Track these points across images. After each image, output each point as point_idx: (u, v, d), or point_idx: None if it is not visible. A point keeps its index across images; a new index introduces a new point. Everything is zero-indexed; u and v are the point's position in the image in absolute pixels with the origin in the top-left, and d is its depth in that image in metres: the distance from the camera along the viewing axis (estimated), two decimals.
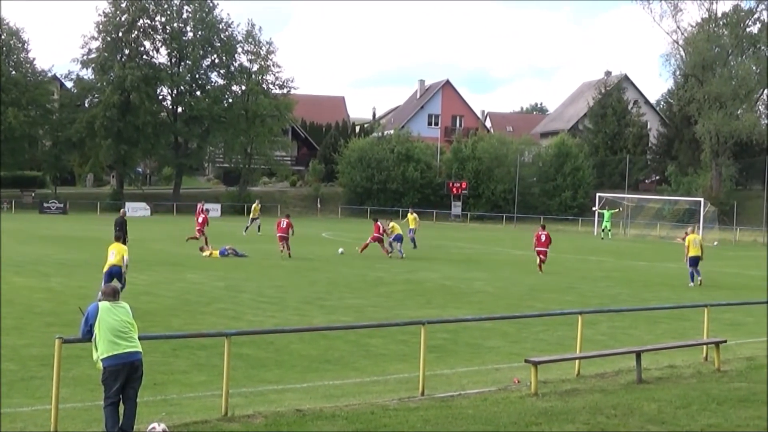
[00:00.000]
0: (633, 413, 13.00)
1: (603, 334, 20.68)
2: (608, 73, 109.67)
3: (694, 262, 33.11)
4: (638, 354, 15.80)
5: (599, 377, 15.86)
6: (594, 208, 73.36)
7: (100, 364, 10.97)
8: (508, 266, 38.70)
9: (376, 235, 41.80)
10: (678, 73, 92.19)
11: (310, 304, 24.57)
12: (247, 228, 54.75)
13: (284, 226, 39.94)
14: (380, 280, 31.27)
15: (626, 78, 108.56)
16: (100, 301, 11.32)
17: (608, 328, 21.64)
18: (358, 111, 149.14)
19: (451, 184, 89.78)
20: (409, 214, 48.95)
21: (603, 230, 67.17)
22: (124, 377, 10.92)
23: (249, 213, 58.91)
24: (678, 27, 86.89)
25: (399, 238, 41.26)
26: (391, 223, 42.68)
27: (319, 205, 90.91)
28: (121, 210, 41.07)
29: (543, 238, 36.95)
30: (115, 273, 23.40)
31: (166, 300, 24.72)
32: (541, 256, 36.78)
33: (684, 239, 34.86)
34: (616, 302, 27.16)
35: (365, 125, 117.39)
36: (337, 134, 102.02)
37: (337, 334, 19.16)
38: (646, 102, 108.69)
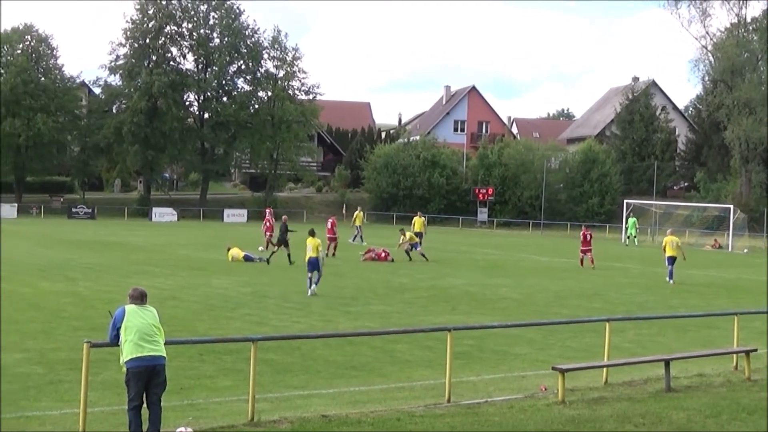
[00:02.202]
0: (661, 422, 12.93)
1: (630, 342, 20.58)
2: (636, 79, 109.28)
3: (672, 261, 36.11)
4: (667, 362, 15.70)
5: (627, 385, 15.78)
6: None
7: (125, 367, 11.07)
8: (534, 273, 38.56)
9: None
10: (707, 78, 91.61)
11: (335, 310, 24.57)
12: (354, 237, 52.96)
13: (330, 226, 42.92)
14: (405, 286, 31.24)
15: (654, 84, 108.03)
16: (128, 304, 11.34)
17: (636, 335, 21.54)
18: (384, 117, 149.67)
19: (477, 191, 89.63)
20: (416, 218, 48.68)
21: (628, 237, 66.89)
22: (145, 381, 10.98)
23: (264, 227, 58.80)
24: (707, 32, 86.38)
25: (415, 246, 42.35)
26: (408, 234, 43.17)
27: (344, 211, 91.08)
28: (283, 217, 41.81)
29: (588, 236, 41.80)
30: (314, 263, 27.64)
31: (191, 304, 24.78)
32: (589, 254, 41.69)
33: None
34: (643, 309, 27.03)
35: (391, 131, 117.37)
36: (363, 140, 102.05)
37: (363, 340, 19.14)
38: (674, 108, 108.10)
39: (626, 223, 69.14)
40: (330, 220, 44.65)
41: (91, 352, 11.46)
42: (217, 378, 15.61)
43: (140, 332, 11.04)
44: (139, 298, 11.39)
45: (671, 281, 35.70)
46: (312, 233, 29.83)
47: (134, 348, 10.96)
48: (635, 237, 66.43)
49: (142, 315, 11.21)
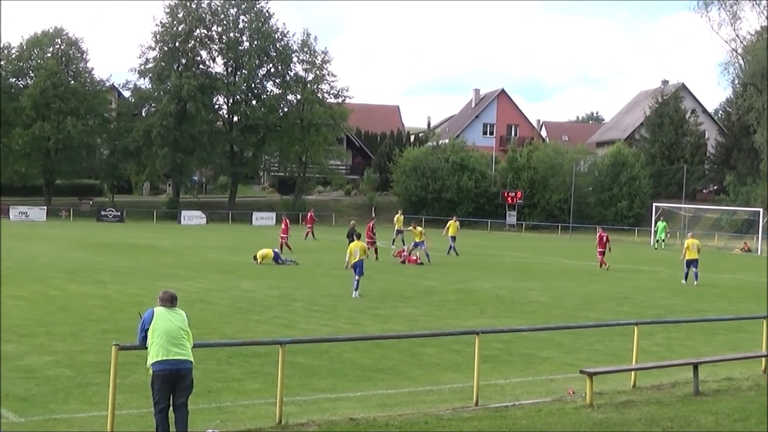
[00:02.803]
0: (690, 426, 12.87)
1: (659, 345, 20.49)
2: (665, 82, 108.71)
3: (692, 264, 36.56)
4: (695, 366, 15.63)
5: (655, 389, 15.71)
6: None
7: (151, 369, 11.10)
8: (563, 276, 38.44)
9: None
10: (737, 81, 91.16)
11: (362, 313, 24.61)
12: (393, 240, 52.14)
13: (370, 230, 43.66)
14: (433, 289, 31.20)
15: (683, 87, 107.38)
16: (158, 306, 11.37)
17: (664, 339, 21.43)
18: (413, 120, 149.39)
19: (506, 194, 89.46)
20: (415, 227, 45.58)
21: (657, 241, 66.62)
22: (170, 384, 10.99)
23: (304, 221, 60.11)
24: (737, 35, 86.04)
25: (420, 244, 42.58)
26: (418, 228, 43.27)
27: (373, 214, 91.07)
28: (351, 222, 43.56)
29: (605, 238, 42.84)
30: (359, 266, 28.46)
31: (219, 307, 24.83)
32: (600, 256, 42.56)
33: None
34: (671, 313, 26.90)
35: (420, 134, 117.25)
36: (392, 143, 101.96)
37: (391, 343, 19.15)
38: (704, 111, 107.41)
39: (655, 226, 68.80)
40: (368, 225, 45.73)
41: (119, 354, 11.45)
42: (244, 381, 15.60)
43: (167, 335, 11.06)
44: (169, 300, 11.41)
45: (689, 282, 36.35)
46: (357, 237, 31.60)
47: (160, 351, 10.98)
48: (664, 240, 66.14)
49: (170, 318, 11.23)
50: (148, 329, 11.15)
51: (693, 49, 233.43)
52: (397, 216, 54.89)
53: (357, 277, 28.48)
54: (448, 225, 48.74)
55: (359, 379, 16.13)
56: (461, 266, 40.89)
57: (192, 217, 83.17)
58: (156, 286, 26.42)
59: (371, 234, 43.66)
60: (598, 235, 43.93)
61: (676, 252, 61.50)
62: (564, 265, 45.00)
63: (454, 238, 47.29)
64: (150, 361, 11.04)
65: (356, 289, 28.27)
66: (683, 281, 36.69)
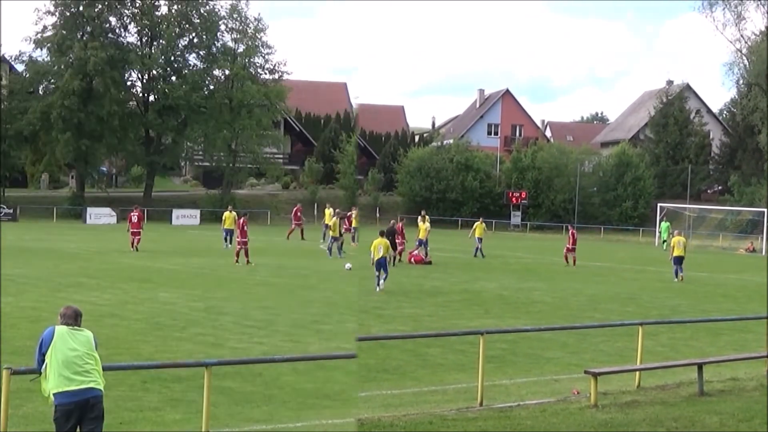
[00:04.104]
0: (694, 426, 12.88)
1: (663, 346, 20.49)
2: (670, 83, 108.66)
3: (678, 261, 37.90)
4: (700, 366, 15.63)
5: (660, 389, 15.72)
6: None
7: (52, 399, 9.59)
8: (567, 276, 38.41)
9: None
10: (741, 81, 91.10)
11: (304, 328, 21.70)
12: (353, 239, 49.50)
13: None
14: (438, 290, 31.15)
15: (688, 87, 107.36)
16: (59, 324, 9.83)
17: (669, 339, 21.43)
18: (418, 120, 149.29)
19: (510, 194, 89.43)
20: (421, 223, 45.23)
21: (663, 242, 66.58)
22: (77, 418, 9.50)
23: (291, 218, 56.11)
24: (741, 35, 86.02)
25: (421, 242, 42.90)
26: (425, 224, 43.77)
27: (378, 214, 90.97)
28: (392, 221, 42.55)
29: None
30: (382, 263, 28.90)
31: (133, 323, 21.54)
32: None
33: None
34: (676, 313, 26.89)
35: (425, 135, 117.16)
36: (397, 144, 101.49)
37: (395, 343, 19.10)
38: (709, 111, 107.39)
39: (659, 227, 68.74)
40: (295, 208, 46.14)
41: (11, 380, 9.97)
42: (163, 410, 13.58)
43: (68, 361, 9.53)
44: (73, 318, 9.85)
45: (676, 280, 37.55)
46: (381, 234, 31.46)
47: (62, 380, 9.48)
48: (665, 241, 66.12)
49: (72, 339, 9.67)
50: (46, 353, 9.60)
51: (697, 49, 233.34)
52: (327, 211, 51.16)
53: (376, 273, 29.20)
54: (474, 226, 48.69)
55: (300, 407, 14.10)
56: (466, 267, 40.86)
57: (100, 216, 72.91)
58: (57, 298, 24.37)
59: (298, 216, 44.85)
60: (570, 232, 44.87)
61: (711, 254, 61.67)
62: (568, 266, 44.94)
63: (480, 240, 47.53)
64: (51, 391, 9.54)
65: (378, 284, 29.05)
66: (675, 279, 37.48)
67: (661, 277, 39.56)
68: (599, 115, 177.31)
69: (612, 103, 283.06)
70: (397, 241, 40.80)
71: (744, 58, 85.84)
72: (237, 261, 38.06)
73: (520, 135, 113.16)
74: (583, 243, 68.74)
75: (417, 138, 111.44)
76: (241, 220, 39.71)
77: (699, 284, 36.93)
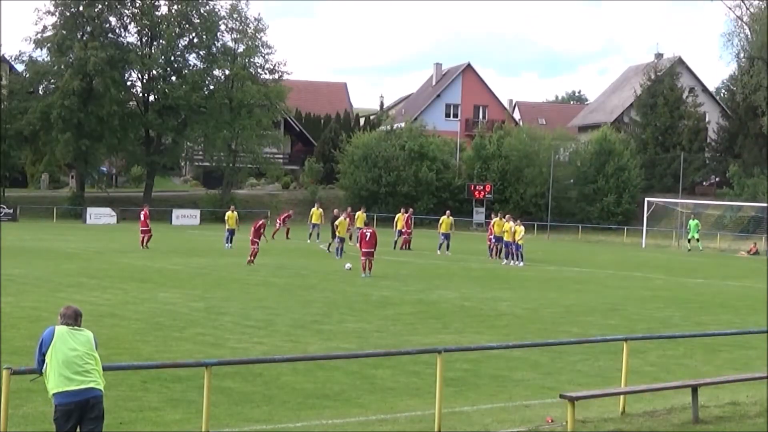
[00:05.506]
0: None
1: (652, 365, 20.66)
2: (659, 56, 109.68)
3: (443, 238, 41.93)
4: (694, 388, 15.77)
5: (648, 415, 15.85)
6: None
7: (53, 400, 10.89)
8: (540, 284, 38.63)
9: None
10: (742, 55, 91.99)
11: (304, 329, 24.52)
12: (310, 235, 60.15)
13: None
14: (387, 300, 31.23)
15: (680, 61, 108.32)
16: (59, 324, 11.07)
17: (658, 357, 21.62)
18: (363, 100, 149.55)
19: (472, 187, 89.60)
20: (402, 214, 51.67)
21: (689, 240, 66.89)
22: (77, 418, 10.78)
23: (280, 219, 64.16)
24: (742, 1, 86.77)
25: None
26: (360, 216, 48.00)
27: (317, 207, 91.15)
28: (334, 210, 47.31)
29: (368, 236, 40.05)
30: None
31: (133, 323, 24.36)
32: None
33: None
34: (667, 327, 27.12)
35: (371, 117, 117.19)
36: (338, 127, 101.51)
37: (337, 364, 19.14)
38: (704, 90, 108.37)
39: (687, 226, 68.95)
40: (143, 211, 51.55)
41: (11, 380, 11.24)
42: (163, 410, 15.35)
43: (68, 361, 10.79)
44: (73, 318, 11.12)
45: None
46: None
47: (61, 380, 10.73)
48: (690, 239, 66.62)
49: (72, 339, 10.95)
50: (46, 353, 10.88)
51: (691, 17, 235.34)
52: (313, 210, 60.74)
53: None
54: (441, 221, 50.71)
55: (300, 407, 15.92)
56: (420, 274, 40.96)
57: (100, 215, 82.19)
58: (57, 298, 26.35)
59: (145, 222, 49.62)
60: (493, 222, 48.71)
61: (674, 255, 62.17)
62: (542, 271, 45.17)
63: (447, 236, 49.76)
64: (51, 391, 10.80)
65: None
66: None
67: (650, 285, 39.92)
68: (576, 94, 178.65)
69: (591, 80, 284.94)
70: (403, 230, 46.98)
71: (745, 27, 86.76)
72: (252, 261, 42.74)
73: (483, 117, 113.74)
74: (558, 244, 69.21)
75: (362, 121, 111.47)
76: (260, 223, 44.93)
77: (693, 292, 37.24)
